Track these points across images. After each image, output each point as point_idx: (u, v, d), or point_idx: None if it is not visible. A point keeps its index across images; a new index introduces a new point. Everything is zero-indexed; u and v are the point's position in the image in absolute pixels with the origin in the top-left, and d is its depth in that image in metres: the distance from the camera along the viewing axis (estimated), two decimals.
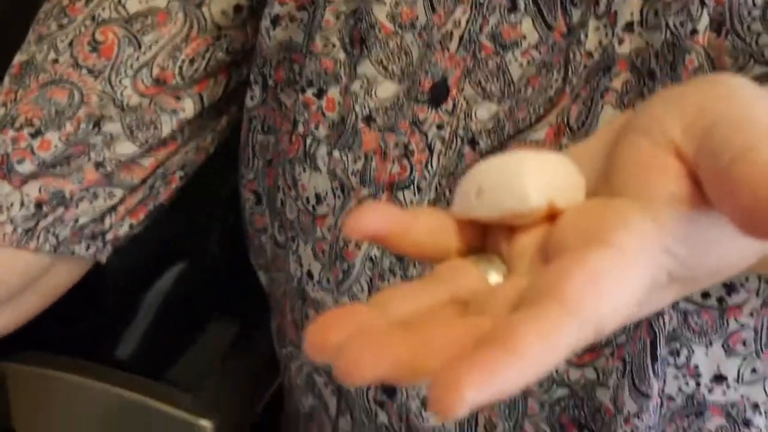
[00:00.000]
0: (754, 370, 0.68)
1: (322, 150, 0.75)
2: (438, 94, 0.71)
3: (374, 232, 0.44)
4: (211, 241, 1.03)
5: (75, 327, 0.95)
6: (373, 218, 0.44)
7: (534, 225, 0.45)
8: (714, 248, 0.43)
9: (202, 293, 1.01)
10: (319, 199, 0.76)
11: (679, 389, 0.68)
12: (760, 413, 0.69)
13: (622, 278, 0.39)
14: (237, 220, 0.87)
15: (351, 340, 0.38)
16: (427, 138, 0.71)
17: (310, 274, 0.77)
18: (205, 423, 0.86)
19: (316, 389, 0.82)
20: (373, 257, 0.73)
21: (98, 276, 0.88)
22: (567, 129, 0.66)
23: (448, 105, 0.70)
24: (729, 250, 0.43)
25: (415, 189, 0.71)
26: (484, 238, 0.47)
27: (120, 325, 0.98)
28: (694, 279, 0.44)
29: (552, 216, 0.44)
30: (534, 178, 0.44)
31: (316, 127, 0.75)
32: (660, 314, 0.64)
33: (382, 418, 0.76)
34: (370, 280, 0.73)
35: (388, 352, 0.37)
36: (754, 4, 0.60)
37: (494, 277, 0.45)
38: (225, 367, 0.93)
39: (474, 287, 0.44)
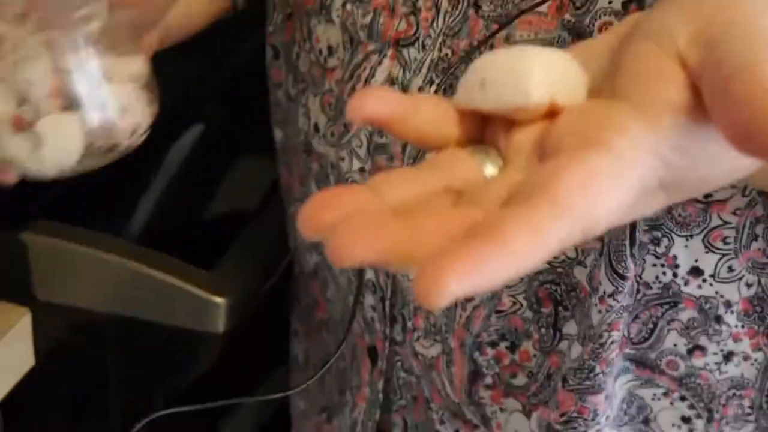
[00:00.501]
0: (730, 269, 0.67)
1: (338, 2, 0.75)
2: None
3: (376, 116, 0.44)
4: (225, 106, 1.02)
5: (91, 196, 0.96)
6: (376, 103, 0.44)
7: (534, 120, 0.44)
8: (707, 160, 0.43)
9: (216, 160, 1.01)
10: (330, 51, 0.76)
11: (656, 278, 0.68)
12: (732, 312, 0.69)
13: (615, 182, 0.40)
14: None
15: (345, 221, 0.38)
16: None
17: (316, 127, 0.78)
18: (218, 300, 0.87)
19: (319, 246, 0.84)
20: None
21: None
22: (570, 4, 0.66)
23: None
24: (721, 164, 0.43)
25: (420, 46, 0.71)
26: (484, 130, 0.47)
27: (136, 193, 0.99)
28: (681, 188, 0.44)
29: (552, 113, 0.44)
30: (538, 74, 0.44)
31: None
32: None
33: (370, 274, 0.77)
34: (370, 136, 0.74)
35: (381, 238, 0.38)
36: None
37: (490, 169, 0.45)
38: (237, 245, 0.93)
39: (469, 178, 0.44)
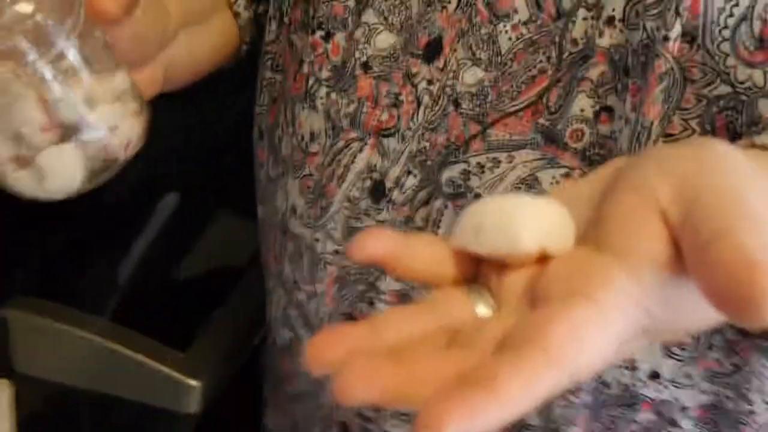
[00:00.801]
0: (688, 376, 0.71)
1: (322, 91, 0.78)
2: (432, 51, 0.73)
3: (378, 257, 0.47)
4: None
5: (70, 272, 1.00)
6: (377, 244, 0.47)
7: (525, 265, 0.48)
8: (686, 311, 0.46)
9: (196, 227, 1.05)
10: (312, 137, 0.79)
11: (617, 379, 0.71)
12: (688, 417, 0.72)
13: (601, 332, 0.42)
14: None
15: (346, 365, 0.41)
16: (416, 91, 0.74)
17: (293, 209, 0.81)
18: (194, 383, 0.91)
19: (290, 323, 0.87)
20: (351, 197, 0.77)
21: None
22: (545, 109, 0.69)
23: (440, 62, 0.73)
24: (699, 314, 0.45)
25: (400, 137, 0.74)
26: (477, 269, 0.50)
27: (114, 269, 1.02)
28: (661, 333, 0.48)
29: (542, 259, 0.47)
30: (529, 224, 0.48)
31: (320, 69, 0.78)
32: None
33: None
34: (346, 219, 0.77)
35: (379, 381, 0.41)
36: (725, 26, 0.62)
37: (482, 309, 0.48)
38: (214, 324, 0.97)
39: (463, 318, 0.47)
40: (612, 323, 0.43)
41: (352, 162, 0.76)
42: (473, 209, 0.50)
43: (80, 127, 0.67)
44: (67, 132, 0.67)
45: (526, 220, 0.48)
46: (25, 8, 0.64)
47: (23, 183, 0.68)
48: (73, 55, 0.67)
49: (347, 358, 0.42)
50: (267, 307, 0.92)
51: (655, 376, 0.71)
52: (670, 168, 0.46)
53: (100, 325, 0.93)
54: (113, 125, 0.69)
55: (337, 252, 0.78)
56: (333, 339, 0.43)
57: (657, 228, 0.45)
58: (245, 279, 0.98)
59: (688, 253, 0.43)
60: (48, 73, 0.66)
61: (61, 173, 0.68)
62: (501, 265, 0.48)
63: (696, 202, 0.44)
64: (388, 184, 0.74)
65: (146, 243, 1.03)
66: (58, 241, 0.98)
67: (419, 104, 0.73)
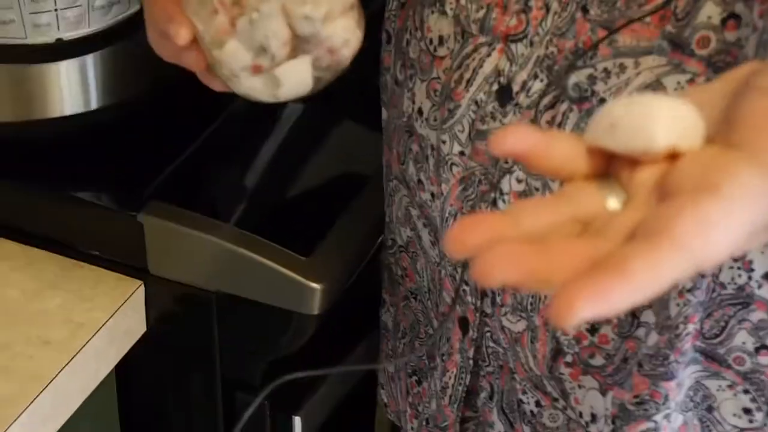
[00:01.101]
0: None
1: None
2: None
3: (518, 152, 0.51)
4: None
5: (200, 181, 1.05)
6: (518, 139, 0.51)
7: (656, 161, 0.51)
8: None
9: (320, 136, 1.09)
10: (441, 41, 0.82)
11: (732, 279, 0.76)
12: None
13: (727, 224, 0.46)
14: None
15: (490, 248, 0.46)
16: None
17: (420, 111, 0.85)
18: (316, 285, 0.96)
19: (412, 221, 0.92)
20: (478, 101, 0.80)
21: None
22: (673, 16, 0.72)
23: None
24: None
25: (528, 42, 0.77)
26: (609, 165, 0.53)
27: (241, 177, 1.07)
28: None
29: (673, 156, 0.51)
30: (663, 123, 0.51)
31: None
32: None
33: None
34: (472, 122, 0.81)
35: (519, 264, 0.45)
36: None
37: (613, 203, 0.52)
38: (335, 230, 1.00)
39: (595, 210, 0.51)
40: (738, 215, 0.46)
41: (481, 66, 0.79)
42: (608, 108, 0.53)
43: (317, 40, 0.71)
44: (304, 45, 0.72)
45: (660, 119, 0.51)
46: None
47: (258, 89, 0.73)
48: None
49: (489, 243, 0.46)
50: (386, 209, 0.96)
51: None
52: None
53: (229, 231, 0.97)
54: (345, 38, 0.73)
55: (462, 153, 0.81)
56: (475, 224, 0.47)
57: None
58: (367, 187, 1.03)
59: None
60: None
61: (295, 83, 0.72)
62: (633, 161, 0.52)
63: None
64: (515, 87, 0.78)
65: (272, 151, 1.07)
66: (190, 149, 1.03)
67: (548, 10, 0.76)
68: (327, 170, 1.07)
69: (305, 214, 1.03)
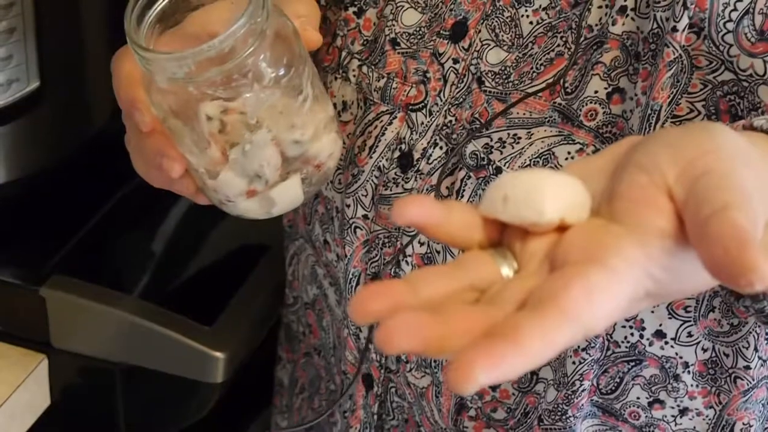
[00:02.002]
0: (689, 334, 0.78)
1: (354, 64, 0.84)
2: (458, 32, 0.79)
3: (417, 221, 0.54)
4: None
5: (101, 253, 1.05)
6: (417, 209, 0.54)
7: (546, 232, 0.54)
8: (687, 276, 0.53)
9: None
10: (345, 106, 0.85)
11: (625, 338, 0.78)
12: (688, 372, 0.79)
13: (611, 293, 0.49)
14: None
15: (391, 318, 0.48)
16: (443, 69, 0.80)
17: None
18: (219, 354, 0.97)
19: (318, 280, 0.94)
20: (381, 166, 0.83)
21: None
22: (562, 90, 0.75)
23: (465, 43, 0.79)
24: (698, 279, 0.53)
25: (427, 112, 0.80)
26: (502, 234, 0.56)
27: (142, 249, 1.08)
28: (664, 296, 0.54)
29: (562, 227, 0.54)
30: (551, 197, 0.54)
31: (352, 43, 0.84)
32: None
33: None
34: (375, 187, 0.83)
35: (418, 333, 0.48)
36: (729, 19, 0.69)
37: (506, 271, 0.55)
38: (236, 300, 1.02)
39: (489, 278, 0.54)
40: (622, 286, 0.50)
41: (383, 134, 0.82)
42: (501, 181, 0.56)
43: (305, 158, 0.73)
44: (292, 164, 0.73)
45: (549, 193, 0.54)
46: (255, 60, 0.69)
47: (253, 210, 0.74)
48: (307, 92, 0.73)
49: (389, 311, 0.49)
50: (287, 268, 0.98)
51: (660, 335, 0.78)
52: (676, 150, 0.53)
53: (131, 302, 0.98)
54: (330, 152, 0.75)
55: (366, 217, 0.84)
56: (377, 293, 0.50)
57: (663, 204, 0.52)
58: (266, 255, 1.05)
59: (690, 227, 0.50)
60: (287, 115, 0.72)
61: (288, 200, 0.74)
62: (524, 232, 0.55)
63: (698, 181, 0.51)
64: (416, 155, 0.81)
65: (174, 222, 1.09)
66: (92, 222, 1.04)
67: (446, 81, 0.80)
68: (228, 240, 1.08)
69: (207, 284, 1.04)
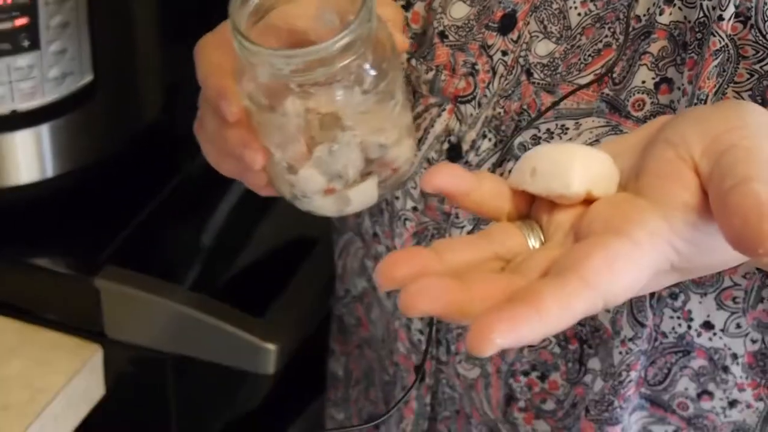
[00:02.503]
0: (738, 326, 0.77)
1: (402, 56, 0.83)
2: (507, 24, 0.79)
3: (445, 189, 0.55)
4: None
5: (154, 244, 1.07)
6: (445, 177, 0.55)
7: (573, 205, 0.55)
8: (711, 250, 0.54)
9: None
10: None
11: (673, 329, 0.78)
12: (737, 363, 0.79)
13: (632, 264, 0.50)
14: None
15: (415, 280, 0.49)
16: (492, 61, 0.80)
17: None
18: (269, 346, 0.98)
19: (367, 273, 0.94)
20: (430, 159, 0.83)
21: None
22: (610, 80, 0.75)
23: (514, 35, 0.79)
24: (723, 254, 0.53)
25: (476, 104, 0.80)
26: (531, 206, 0.57)
27: (194, 240, 1.09)
28: (690, 270, 0.55)
29: (588, 200, 0.55)
30: (579, 169, 0.55)
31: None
32: None
33: None
34: None
35: (441, 296, 0.49)
36: None
37: (532, 242, 0.56)
38: (287, 293, 1.03)
39: (515, 249, 0.55)
40: (643, 257, 0.51)
41: (432, 126, 0.83)
42: (530, 154, 0.57)
43: (383, 162, 0.74)
44: (371, 166, 0.74)
45: (576, 165, 0.55)
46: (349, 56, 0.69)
47: (327, 208, 0.75)
48: (398, 97, 0.74)
49: (415, 277, 0.50)
50: (337, 261, 0.99)
51: (708, 325, 0.78)
52: (704, 126, 0.54)
53: (183, 294, 0.99)
54: (408, 157, 0.76)
55: (415, 209, 0.84)
56: (403, 259, 0.51)
57: (689, 178, 0.53)
58: (317, 247, 1.05)
59: (713, 200, 0.51)
60: (378, 119, 0.73)
61: (363, 200, 0.75)
62: (552, 204, 0.56)
63: (723, 156, 0.52)
64: (465, 146, 0.81)
65: (225, 214, 1.10)
66: (144, 213, 1.05)
67: (494, 73, 0.80)
68: (278, 231, 1.09)
69: (258, 275, 1.05)
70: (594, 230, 0.53)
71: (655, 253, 0.51)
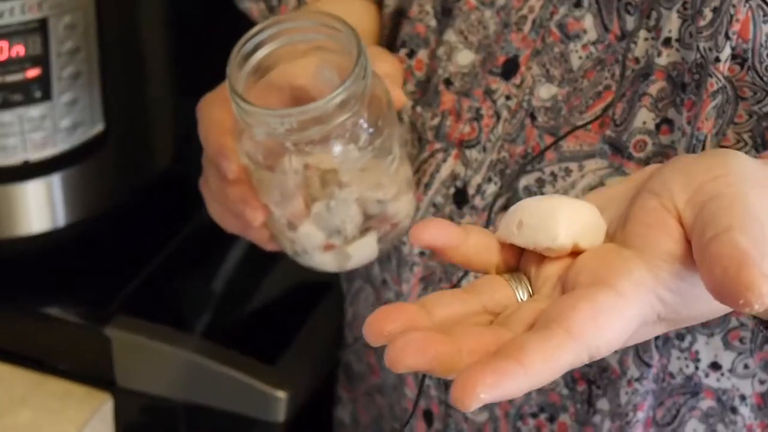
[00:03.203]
0: (746, 366, 0.77)
1: (407, 104, 0.84)
2: (510, 69, 0.80)
3: (434, 243, 0.55)
4: None
5: (164, 293, 1.07)
6: (433, 232, 0.55)
7: (560, 257, 0.56)
8: (696, 300, 0.54)
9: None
10: None
11: (680, 369, 0.78)
12: (746, 404, 0.78)
13: (618, 316, 0.50)
14: None
15: (402, 335, 0.50)
16: (495, 105, 0.80)
17: None
18: (280, 394, 0.98)
19: None
20: (437, 203, 0.83)
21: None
22: (612, 122, 0.76)
23: (517, 80, 0.79)
24: (708, 303, 0.53)
25: (481, 148, 0.81)
26: (519, 258, 0.58)
27: (203, 290, 1.10)
28: (677, 321, 0.55)
29: (575, 252, 0.56)
30: (564, 222, 0.56)
31: (405, 84, 0.84)
32: None
33: None
34: None
35: (427, 350, 0.49)
36: None
37: (521, 295, 0.56)
38: (296, 341, 1.03)
39: (504, 302, 0.56)
40: (629, 308, 0.51)
41: (437, 171, 0.83)
42: (516, 207, 0.58)
43: (383, 217, 0.75)
44: (370, 221, 0.75)
45: (562, 218, 0.56)
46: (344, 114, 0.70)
47: (327, 263, 0.76)
48: (395, 152, 0.75)
49: (402, 332, 0.50)
50: (347, 308, 0.99)
51: (715, 366, 0.77)
52: (688, 176, 0.54)
53: (194, 342, 1.00)
54: (407, 212, 0.76)
55: (422, 254, 0.84)
56: (391, 314, 0.51)
57: (673, 227, 0.53)
58: (327, 294, 1.05)
59: (695, 249, 0.51)
60: (375, 175, 0.75)
61: (363, 256, 0.76)
62: (540, 257, 0.56)
63: (706, 205, 0.52)
64: (471, 191, 0.81)
65: (235, 261, 1.10)
66: (154, 262, 1.06)
67: (498, 118, 0.80)
68: (289, 279, 1.09)
69: (269, 322, 1.05)
70: (580, 282, 0.53)
71: (640, 304, 0.52)
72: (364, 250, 0.76)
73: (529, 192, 0.78)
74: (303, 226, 0.74)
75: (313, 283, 1.09)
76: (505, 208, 0.80)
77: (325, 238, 0.74)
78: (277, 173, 0.72)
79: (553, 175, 0.78)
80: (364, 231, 0.75)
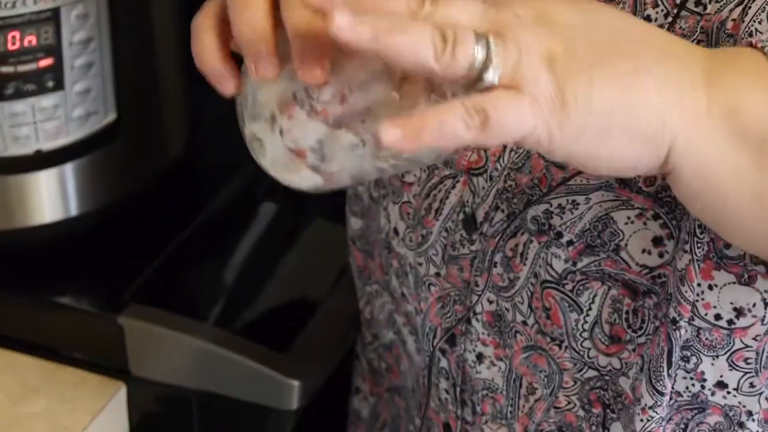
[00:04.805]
0: (751, 385, 0.77)
1: None
2: None
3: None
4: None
5: (177, 282, 1.07)
6: None
7: None
8: None
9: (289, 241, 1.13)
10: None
11: (687, 388, 0.78)
12: (753, 420, 0.78)
13: None
14: None
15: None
16: None
17: (396, 231, 0.88)
18: (293, 382, 0.98)
19: (396, 326, 0.94)
20: (448, 228, 0.83)
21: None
22: None
23: None
24: None
25: (488, 177, 0.80)
26: None
27: (216, 278, 1.10)
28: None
29: None
30: None
31: None
32: (677, 328, 0.74)
33: (444, 363, 0.87)
34: (444, 247, 0.84)
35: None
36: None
37: None
38: (311, 327, 1.04)
39: None
40: None
41: (447, 197, 0.83)
42: None
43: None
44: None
45: None
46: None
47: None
48: None
49: None
50: (363, 307, 0.99)
51: (721, 385, 0.78)
52: None
53: (206, 330, 1.00)
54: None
55: (438, 275, 0.85)
56: None
57: None
58: (339, 283, 1.05)
59: None
60: None
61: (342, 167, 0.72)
62: None
63: None
64: (479, 218, 0.81)
65: (247, 250, 1.10)
66: (167, 251, 1.06)
67: (504, 147, 0.80)
68: (300, 267, 1.10)
69: (282, 310, 1.05)
70: None
71: None
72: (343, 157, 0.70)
73: (538, 222, 0.78)
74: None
75: (326, 270, 1.09)
76: (514, 235, 0.80)
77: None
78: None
79: (561, 207, 0.77)
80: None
